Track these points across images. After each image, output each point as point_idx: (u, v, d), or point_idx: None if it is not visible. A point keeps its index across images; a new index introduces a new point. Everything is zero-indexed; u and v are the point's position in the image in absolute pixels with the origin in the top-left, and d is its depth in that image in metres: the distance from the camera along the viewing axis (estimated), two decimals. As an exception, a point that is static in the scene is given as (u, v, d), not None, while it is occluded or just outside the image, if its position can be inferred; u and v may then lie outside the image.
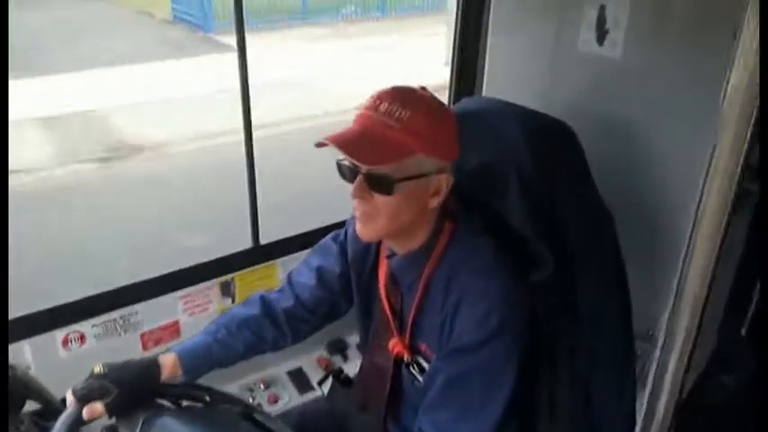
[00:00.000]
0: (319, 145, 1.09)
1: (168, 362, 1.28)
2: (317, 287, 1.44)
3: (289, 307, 1.44)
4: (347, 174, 1.14)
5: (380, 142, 1.07)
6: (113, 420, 1.42)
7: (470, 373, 1.13)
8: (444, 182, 1.14)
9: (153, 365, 1.25)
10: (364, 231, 1.17)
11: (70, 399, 1.16)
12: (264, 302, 1.45)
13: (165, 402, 1.28)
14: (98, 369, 1.19)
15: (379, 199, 1.11)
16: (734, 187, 0.78)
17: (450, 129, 1.16)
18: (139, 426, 1.15)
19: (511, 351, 1.12)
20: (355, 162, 1.08)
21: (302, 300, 1.45)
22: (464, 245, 1.20)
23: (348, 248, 1.42)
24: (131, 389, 1.18)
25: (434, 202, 1.16)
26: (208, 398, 1.27)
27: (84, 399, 1.14)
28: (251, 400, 1.78)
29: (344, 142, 1.07)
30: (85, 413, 1.13)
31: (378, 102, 1.10)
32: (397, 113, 1.07)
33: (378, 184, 1.10)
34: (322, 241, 1.50)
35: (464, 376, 1.14)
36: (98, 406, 1.14)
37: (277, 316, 1.43)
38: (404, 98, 1.10)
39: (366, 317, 1.42)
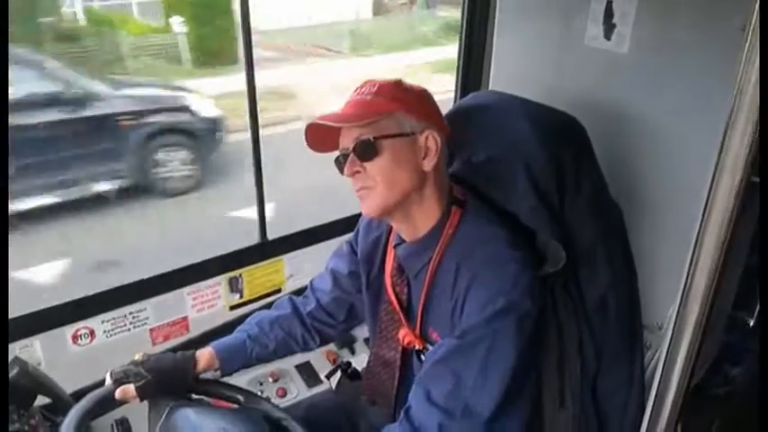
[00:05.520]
0: (308, 127, 1.19)
1: (205, 355, 1.39)
2: (333, 290, 1.51)
3: (312, 310, 1.53)
4: (342, 161, 1.20)
5: (357, 108, 1.18)
6: (122, 416, 1.48)
7: (470, 348, 1.14)
8: (432, 141, 1.18)
9: (188, 359, 1.36)
10: (367, 206, 1.20)
11: (108, 380, 1.30)
12: (293, 304, 1.55)
13: (203, 397, 1.37)
14: (138, 357, 1.33)
15: (372, 167, 1.16)
16: (743, 180, 0.77)
17: (427, 98, 1.24)
18: (166, 412, 1.25)
19: (514, 334, 1.12)
20: (335, 123, 1.16)
21: (322, 303, 1.53)
22: (473, 231, 1.21)
23: (358, 247, 1.45)
24: (163, 377, 1.30)
25: (428, 164, 1.19)
26: (242, 399, 1.35)
27: (119, 381, 1.28)
28: (260, 394, 1.80)
29: (325, 116, 1.17)
30: (118, 393, 1.27)
31: (360, 86, 1.23)
32: (369, 88, 1.19)
33: (364, 151, 1.16)
34: (339, 246, 1.55)
35: (463, 351, 1.14)
36: (130, 388, 1.27)
37: (304, 318, 1.52)
38: (377, 81, 1.21)
39: (374, 310, 1.43)
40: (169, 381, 1.31)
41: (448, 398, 1.14)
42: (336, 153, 1.24)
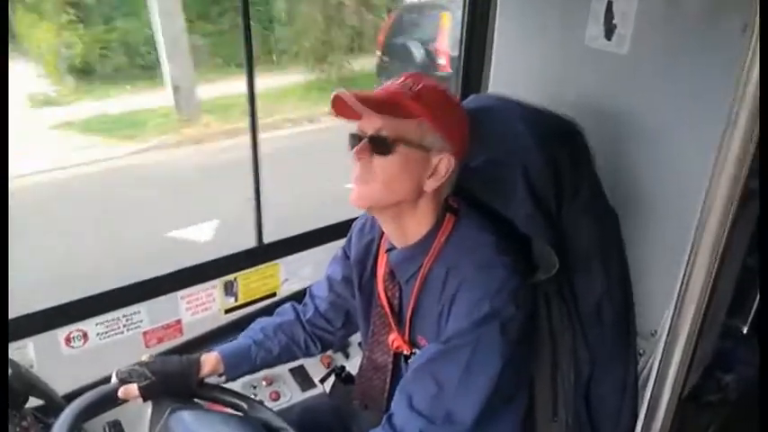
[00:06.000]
0: (335, 98, 1.14)
1: (210, 360, 1.38)
2: (329, 296, 1.52)
3: (310, 317, 1.53)
4: (355, 141, 1.17)
5: (388, 99, 1.14)
6: (117, 417, 1.47)
7: (453, 354, 1.13)
8: (444, 165, 1.16)
9: (193, 362, 1.36)
10: (357, 194, 1.18)
11: (113, 378, 1.31)
12: (295, 310, 1.55)
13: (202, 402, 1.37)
14: (145, 358, 1.34)
15: (378, 163, 1.14)
16: (740, 186, 0.77)
17: (461, 117, 1.21)
18: (166, 413, 1.26)
19: (499, 340, 1.12)
20: (355, 106, 1.11)
21: (321, 310, 1.53)
22: (464, 240, 1.21)
23: (351, 252, 1.45)
24: (167, 379, 1.30)
25: (431, 185, 1.17)
26: (245, 406, 1.35)
27: (124, 380, 1.28)
28: (253, 397, 1.79)
29: (355, 94, 1.12)
30: (121, 392, 1.27)
31: (403, 77, 1.18)
32: (413, 84, 1.15)
33: (379, 145, 1.14)
34: (336, 252, 1.55)
35: (447, 357, 1.14)
36: (133, 387, 1.27)
37: (305, 324, 1.53)
38: (426, 79, 1.17)
39: (366, 314, 1.43)
40: (173, 383, 1.32)
41: (430, 404, 1.14)
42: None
